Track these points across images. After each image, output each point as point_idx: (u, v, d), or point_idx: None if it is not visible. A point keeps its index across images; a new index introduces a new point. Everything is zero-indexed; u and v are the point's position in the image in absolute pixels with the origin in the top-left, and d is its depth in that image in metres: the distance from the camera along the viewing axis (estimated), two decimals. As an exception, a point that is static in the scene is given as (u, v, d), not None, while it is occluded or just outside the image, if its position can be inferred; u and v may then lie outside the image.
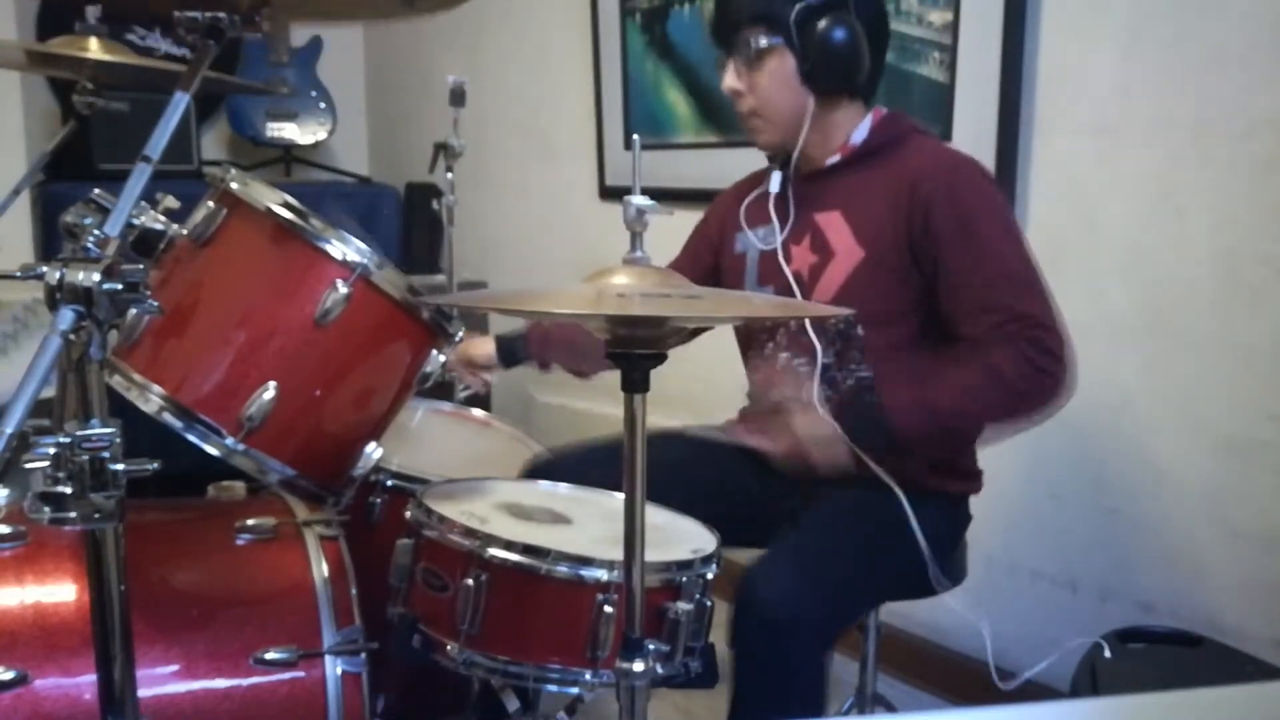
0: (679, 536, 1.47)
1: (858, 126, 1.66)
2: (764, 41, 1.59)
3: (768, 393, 1.56)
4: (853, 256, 1.61)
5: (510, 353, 1.97)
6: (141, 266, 0.99)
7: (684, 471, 1.67)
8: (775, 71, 1.60)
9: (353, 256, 1.41)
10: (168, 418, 1.38)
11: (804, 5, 1.56)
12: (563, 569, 1.31)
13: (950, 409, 1.52)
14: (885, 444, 1.52)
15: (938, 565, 1.57)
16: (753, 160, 1.83)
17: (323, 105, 3.80)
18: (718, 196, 1.88)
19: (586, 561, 1.32)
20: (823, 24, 1.56)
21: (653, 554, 1.23)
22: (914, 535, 1.54)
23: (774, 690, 1.44)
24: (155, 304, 1.02)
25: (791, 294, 1.66)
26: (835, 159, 1.66)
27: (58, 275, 0.96)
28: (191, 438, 1.39)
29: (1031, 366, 1.49)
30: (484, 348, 1.99)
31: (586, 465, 1.68)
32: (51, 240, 2.99)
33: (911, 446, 1.53)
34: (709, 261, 1.84)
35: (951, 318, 1.57)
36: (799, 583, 1.45)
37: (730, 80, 1.64)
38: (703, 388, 2.05)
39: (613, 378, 1.08)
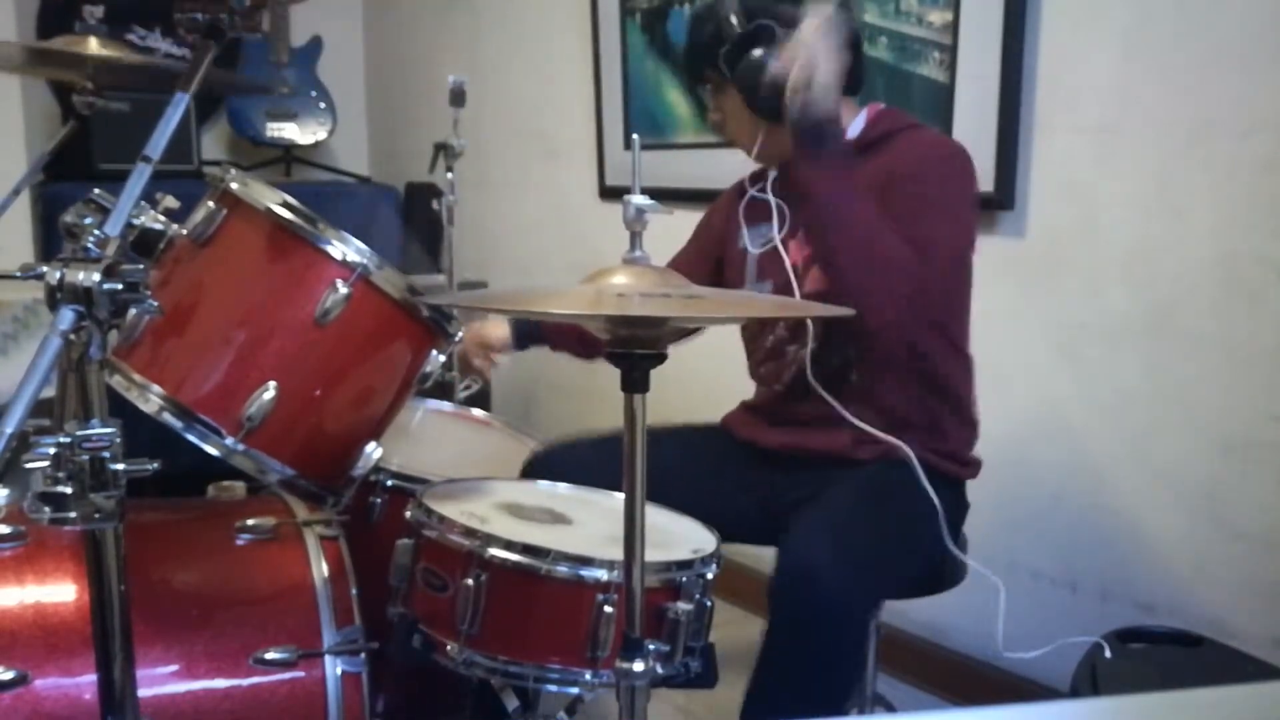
0: (679, 536, 1.47)
1: (851, 123, 1.68)
2: (716, 81, 1.68)
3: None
4: None
5: (525, 334, 1.99)
6: (141, 266, 0.99)
7: (684, 471, 1.68)
8: (728, 106, 1.69)
9: (353, 256, 1.41)
10: (168, 418, 1.38)
11: (729, 46, 1.60)
12: (563, 569, 1.32)
13: (846, 201, 1.51)
14: (822, 142, 1.51)
15: (947, 538, 1.58)
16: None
17: (323, 105, 3.80)
18: (722, 194, 1.91)
19: (586, 561, 1.32)
20: (754, 55, 1.57)
21: (653, 554, 1.23)
22: (926, 507, 1.55)
23: (812, 655, 1.42)
24: (155, 304, 1.02)
25: (789, 287, 1.68)
26: None
27: (58, 275, 0.96)
28: (191, 438, 1.39)
29: (907, 264, 1.48)
30: (498, 330, 2.00)
31: (586, 463, 1.68)
32: (51, 240, 2.99)
33: (818, 176, 1.51)
34: (713, 256, 1.87)
35: None
36: (840, 547, 1.44)
37: (711, 114, 1.77)
38: (703, 387, 2.05)
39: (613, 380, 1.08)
